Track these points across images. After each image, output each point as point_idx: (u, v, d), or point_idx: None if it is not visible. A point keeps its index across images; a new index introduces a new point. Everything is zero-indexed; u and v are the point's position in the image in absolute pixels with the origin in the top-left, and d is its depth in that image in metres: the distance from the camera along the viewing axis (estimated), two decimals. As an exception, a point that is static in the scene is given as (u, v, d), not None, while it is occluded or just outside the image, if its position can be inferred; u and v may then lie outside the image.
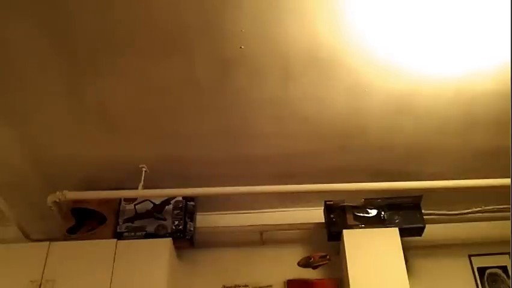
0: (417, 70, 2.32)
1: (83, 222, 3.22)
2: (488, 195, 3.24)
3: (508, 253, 3.36)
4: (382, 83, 2.39)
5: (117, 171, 2.96)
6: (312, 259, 3.09)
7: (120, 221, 3.17)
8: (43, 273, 2.91)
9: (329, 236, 3.24)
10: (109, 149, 2.79)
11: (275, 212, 3.49)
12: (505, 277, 3.38)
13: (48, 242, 3.03)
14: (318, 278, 3.26)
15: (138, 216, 3.19)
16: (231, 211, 3.45)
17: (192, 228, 3.19)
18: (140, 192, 2.93)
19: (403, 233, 3.14)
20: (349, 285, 2.96)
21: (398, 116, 2.63)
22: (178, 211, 3.22)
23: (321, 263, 3.09)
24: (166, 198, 3.23)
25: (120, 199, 3.21)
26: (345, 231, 3.16)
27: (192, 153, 2.87)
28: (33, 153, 2.79)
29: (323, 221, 3.27)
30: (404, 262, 3.01)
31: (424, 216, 3.20)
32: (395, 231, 3.13)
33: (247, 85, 2.38)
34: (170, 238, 3.12)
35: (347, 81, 2.37)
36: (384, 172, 3.04)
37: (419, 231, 3.21)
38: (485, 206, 3.39)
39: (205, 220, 3.36)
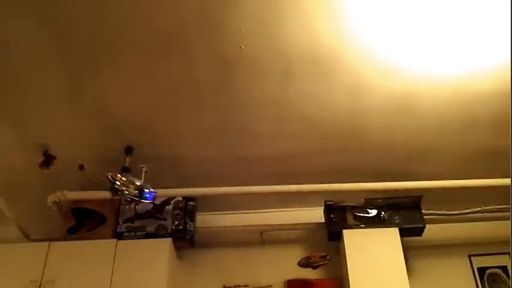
0: (417, 70, 2.32)
1: (83, 222, 3.22)
2: (488, 195, 3.24)
3: (508, 253, 3.36)
4: (382, 82, 2.39)
5: (117, 171, 2.95)
6: (312, 259, 3.09)
7: (120, 221, 3.17)
8: (43, 273, 2.92)
9: (329, 236, 3.24)
10: (108, 148, 2.78)
11: (275, 212, 3.49)
12: (505, 277, 3.38)
13: (48, 242, 3.03)
14: (318, 278, 3.26)
15: (138, 216, 3.20)
16: (231, 211, 3.45)
17: (191, 228, 3.20)
18: (140, 192, 2.93)
19: (403, 233, 3.14)
20: (349, 285, 2.96)
21: (398, 116, 2.63)
22: (178, 211, 3.22)
23: (321, 263, 3.09)
24: (166, 198, 3.23)
25: (120, 199, 3.21)
26: (345, 231, 3.16)
27: (192, 153, 2.87)
28: (33, 153, 2.78)
29: (323, 221, 3.27)
30: (404, 262, 3.01)
31: (424, 216, 3.21)
32: (395, 231, 3.14)
33: (247, 85, 2.38)
34: (170, 238, 3.12)
35: (347, 81, 2.37)
36: (384, 172, 3.04)
37: (419, 231, 3.21)
38: (485, 206, 3.39)
39: (205, 220, 3.36)
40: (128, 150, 2.76)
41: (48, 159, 2.65)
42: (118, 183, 2.47)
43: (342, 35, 2.10)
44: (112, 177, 2.47)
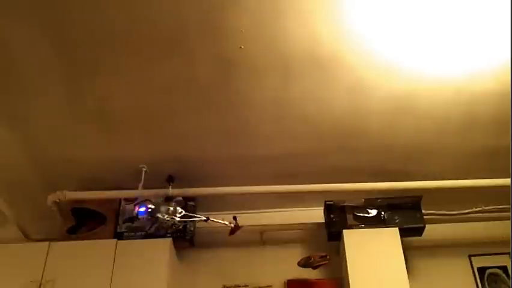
0: (417, 70, 2.32)
1: (83, 222, 3.22)
2: (488, 195, 3.24)
3: (508, 253, 3.36)
4: (382, 83, 2.39)
5: (117, 171, 2.95)
6: (312, 259, 3.09)
7: (120, 221, 3.17)
8: (43, 273, 2.92)
9: (329, 236, 3.24)
10: (109, 149, 2.78)
11: (275, 212, 3.49)
12: (505, 277, 3.38)
13: (48, 242, 3.03)
14: (318, 278, 3.26)
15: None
16: (231, 211, 3.45)
17: (192, 228, 3.19)
18: (140, 192, 2.93)
19: (403, 233, 3.14)
20: (349, 285, 2.96)
21: (398, 116, 2.63)
22: (178, 211, 3.22)
23: (321, 263, 3.09)
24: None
25: (120, 199, 3.21)
26: (345, 231, 3.16)
27: (192, 153, 2.87)
28: (33, 153, 2.78)
29: (323, 221, 3.27)
30: (404, 262, 3.01)
31: (424, 216, 3.20)
32: (395, 231, 3.14)
33: (247, 85, 2.38)
34: (170, 238, 3.12)
35: (347, 81, 2.37)
36: (384, 172, 3.04)
37: (419, 231, 3.21)
38: (485, 206, 3.39)
39: (205, 220, 3.36)
40: (170, 179, 2.89)
41: None
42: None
43: (342, 36, 2.10)
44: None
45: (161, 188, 2.95)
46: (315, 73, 2.31)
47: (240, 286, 3.26)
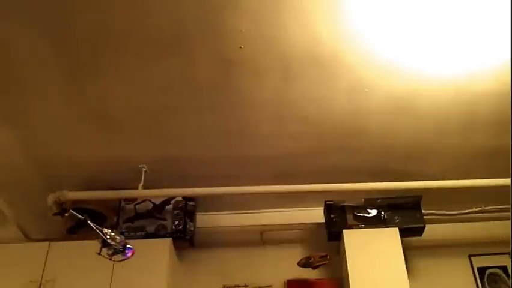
0: (417, 70, 2.32)
1: (84, 222, 3.21)
2: (488, 195, 3.24)
3: (508, 253, 3.36)
4: (382, 83, 2.39)
5: (117, 171, 2.95)
6: (312, 259, 3.09)
7: (120, 221, 3.17)
8: (43, 273, 2.92)
9: (329, 236, 3.24)
10: (109, 149, 2.79)
11: (275, 212, 3.49)
12: (505, 277, 3.38)
13: (48, 242, 3.04)
14: (318, 278, 3.26)
15: (138, 216, 3.19)
16: (231, 211, 3.45)
17: (192, 228, 3.20)
18: (140, 192, 2.93)
19: (403, 233, 3.14)
20: (349, 285, 2.96)
21: (398, 116, 2.63)
22: (178, 211, 3.22)
23: (321, 263, 3.09)
24: (166, 198, 3.23)
25: (120, 199, 3.21)
26: (345, 231, 3.17)
27: (192, 153, 2.87)
28: (34, 153, 2.79)
29: (323, 221, 3.27)
30: (404, 262, 3.01)
31: (424, 216, 3.21)
32: (395, 231, 3.14)
33: (247, 85, 2.38)
34: (170, 238, 3.12)
35: (347, 81, 2.37)
36: (384, 172, 3.04)
37: (419, 231, 3.21)
38: (485, 206, 3.39)
39: (205, 220, 3.36)
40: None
41: (63, 212, 2.65)
42: (108, 237, 2.47)
43: (342, 36, 2.10)
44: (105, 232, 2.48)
45: (161, 188, 2.95)
46: (315, 73, 2.31)
47: (240, 286, 3.26)
